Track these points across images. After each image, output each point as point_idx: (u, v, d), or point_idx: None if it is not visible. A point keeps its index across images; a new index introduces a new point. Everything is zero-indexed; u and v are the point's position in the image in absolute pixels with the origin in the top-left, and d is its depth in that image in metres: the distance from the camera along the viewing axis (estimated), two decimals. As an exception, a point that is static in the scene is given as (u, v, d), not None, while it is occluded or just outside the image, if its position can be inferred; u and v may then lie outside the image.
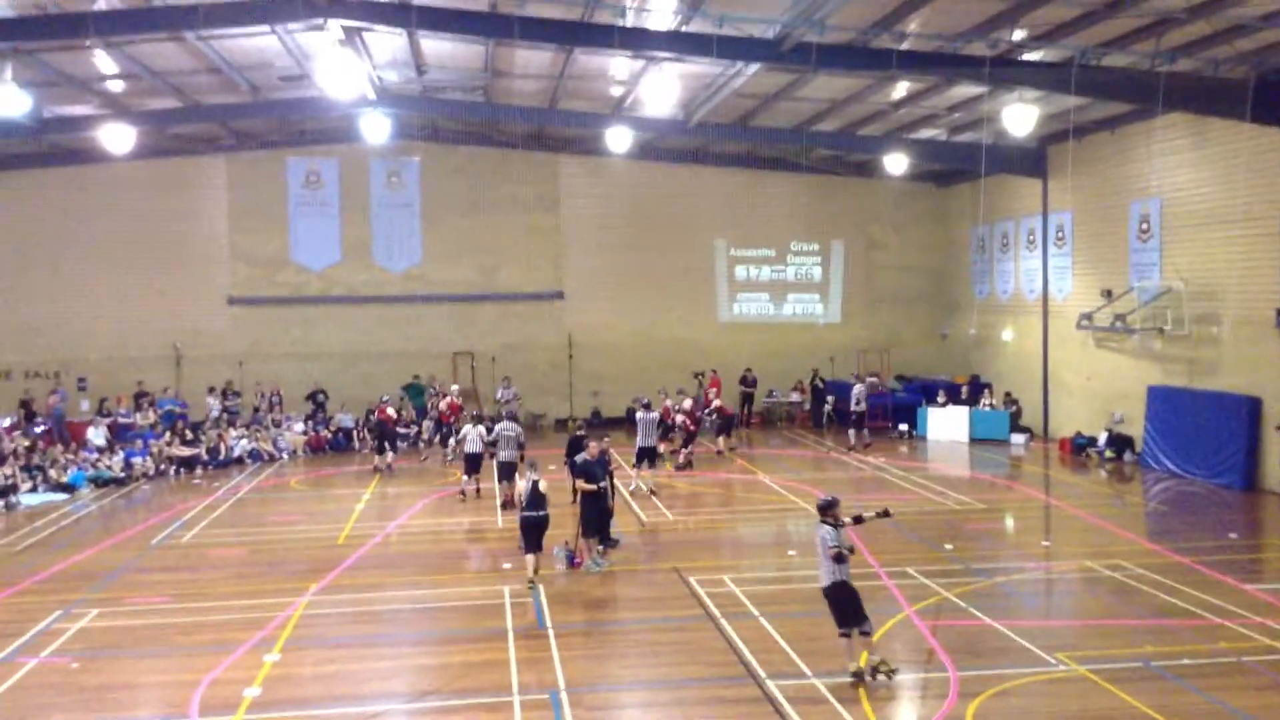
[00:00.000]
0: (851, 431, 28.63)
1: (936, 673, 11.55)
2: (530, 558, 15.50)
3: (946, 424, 29.99)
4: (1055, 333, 29.30)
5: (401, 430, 27.56)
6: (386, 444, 25.62)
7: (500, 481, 21.10)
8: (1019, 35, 19.67)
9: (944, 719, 10.37)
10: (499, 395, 29.86)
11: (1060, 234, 28.87)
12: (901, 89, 24.73)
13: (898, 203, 35.62)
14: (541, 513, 15.56)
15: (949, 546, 17.36)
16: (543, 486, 15.67)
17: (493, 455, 21.28)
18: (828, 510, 11.60)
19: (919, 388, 32.81)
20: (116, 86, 25.05)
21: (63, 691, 11.47)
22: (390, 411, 26.49)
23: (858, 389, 28.67)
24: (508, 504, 20.55)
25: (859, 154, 32.42)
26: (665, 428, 25.46)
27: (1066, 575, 16.03)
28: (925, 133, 29.15)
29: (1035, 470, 25.67)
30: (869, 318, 35.66)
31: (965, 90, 23.98)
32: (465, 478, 22.14)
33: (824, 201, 35.32)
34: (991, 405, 30.39)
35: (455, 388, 29.54)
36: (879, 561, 16.19)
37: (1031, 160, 29.22)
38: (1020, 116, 22.43)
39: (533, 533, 15.52)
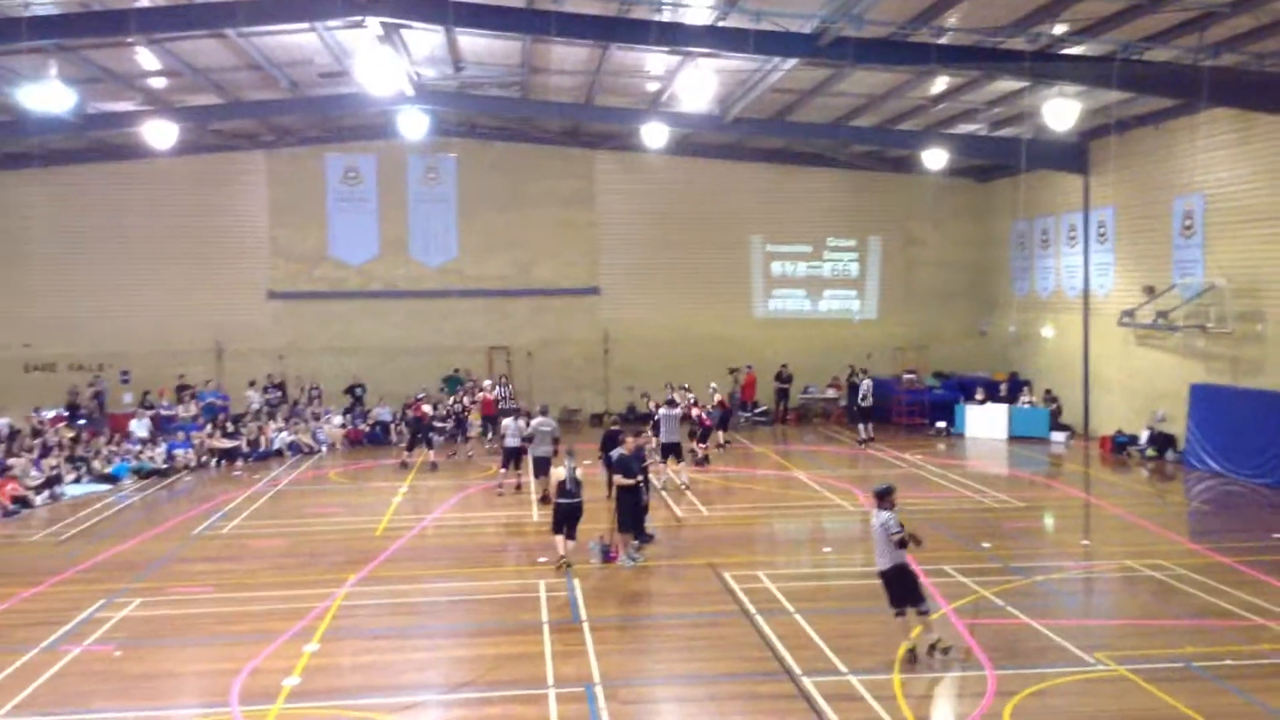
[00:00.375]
0: (861, 425, 28.91)
1: (974, 671, 11.47)
2: (559, 539, 15.97)
3: (985, 421, 29.75)
4: (1096, 329, 28.98)
5: (439, 425, 27.57)
6: (421, 440, 25.65)
7: (538, 476, 21.16)
8: (1060, 29, 19.48)
9: (982, 717, 10.30)
10: (495, 394, 29.31)
11: (1102, 230, 28.56)
12: (941, 84, 24.54)
13: (936, 198, 35.37)
14: (577, 500, 16.08)
15: (987, 545, 17.23)
16: (579, 474, 16.19)
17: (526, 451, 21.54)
18: (886, 496, 12.10)
19: (957, 385, 32.56)
20: (159, 83, 25.37)
21: (105, 679, 11.64)
22: (426, 408, 26.43)
23: (865, 384, 29.09)
24: (546, 499, 20.64)
25: (897, 149, 32.22)
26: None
27: (1106, 574, 15.87)
28: (965, 128, 28.92)
29: (1075, 468, 25.42)
30: (906, 314, 35.43)
31: (1005, 85, 23.77)
32: (503, 471, 22.22)
33: (861, 197, 35.13)
34: (1031, 403, 30.11)
35: (488, 383, 29.59)
36: (915, 559, 16.03)
37: (1073, 155, 28.91)
38: (1061, 111, 22.22)
39: (567, 519, 16.03)
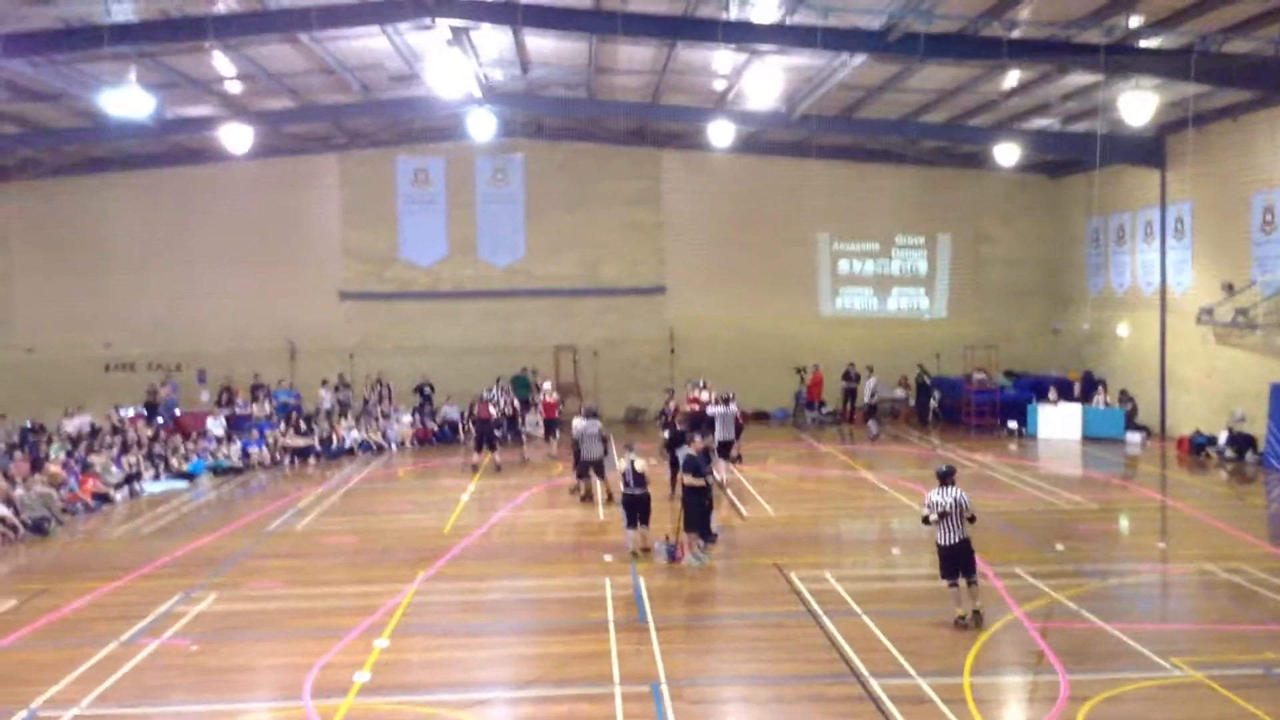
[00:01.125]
0: (871, 423, 29.43)
1: (1046, 675, 11.28)
2: (631, 533, 16.32)
3: (1058, 422, 29.21)
4: (1173, 328, 28.31)
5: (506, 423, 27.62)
6: (485, 442, 25.31)
7: (581, 477, 21.22)
8: (1135, 22, 19.08)
9: (1053, 723, 10.14)
10: (486, 394, 27.83)
11: (1179, 226, 27.89)
12: (1012, 78, 24.15)
13: (1008, 194, 34.83)
14: (641, 490, 16.46)
15: (1060, 547, 16.93)
16: (639, 465, 16.54)
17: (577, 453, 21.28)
18: (950, 476, 13.29)
19: (1029, 384, 32.02)
20: (234, 88, 25.92)
21: (183, 673, 11.91)
22: (491, 410, 26.05)
23: (872, 381, 29.94)
24: (587, 496, 21.01)
25: (968, 145, 31.77)
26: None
27: (1183, 578, 15.50)
28: (1037, 122, 28.41)
29: (1151, 470, 24.86)
30: (977, 312, 34.93)
31: (1079, 79, 23.31)
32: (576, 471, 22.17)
33: (931, 194, 34.71)
34: (1106, 402, 29.49)
35: (548, 385, 29.08)
36: (986, 561, 15.85)
37: (1149, 150, 28.26)
38: (1137, 105, 21.74)
39: (633, 509, 16.49)
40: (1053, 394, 29.91)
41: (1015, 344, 34.53)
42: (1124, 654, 11.89)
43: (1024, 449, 27.89)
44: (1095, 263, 32.73)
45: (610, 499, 21.17)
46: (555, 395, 28.22)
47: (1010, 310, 34.95)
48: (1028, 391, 31.33)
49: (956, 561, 12.92)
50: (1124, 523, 19.69)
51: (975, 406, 31.29)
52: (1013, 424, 30.06)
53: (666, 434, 22.69)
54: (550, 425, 27.57)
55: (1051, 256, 34.94)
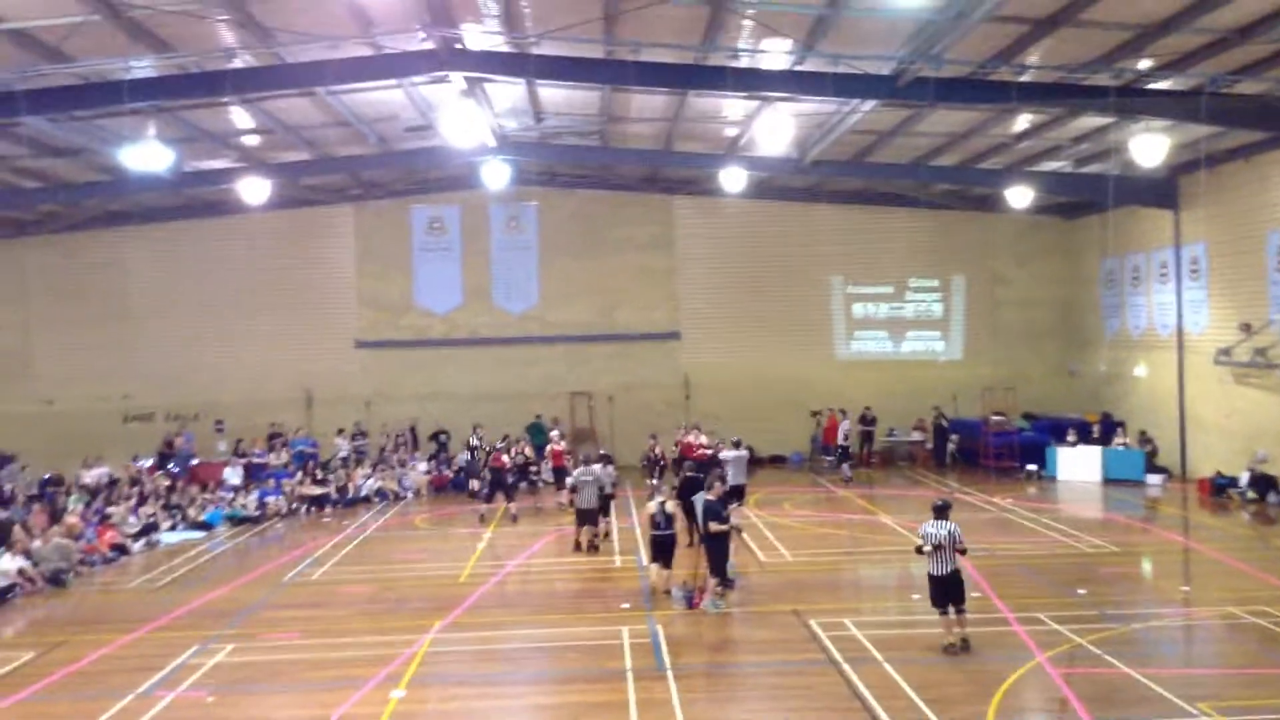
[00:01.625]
0: (844, 465, 29.74)
1: (1070, 723, 11.13)
2: (653, 567, 16.74)
3: (1077, 464, 29.00)
4: (1191, 368, 28.17)
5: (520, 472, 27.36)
6: (500, 492, 24.65)
7: (581, 526, 20.86)
8: (1145, 64, 19.17)
9: (1079, 771, 9.97)
10: (563, 445, 28.08)
11: (1194, 266, 27.84)
12: (1023, 121, 24.28)
13: (1022, 236, 34.87)
14: (670, 531, 16.99)
15: (1082, 591, 16.73)
16: (670, 507, 17.19)
17: (573, 502, 21.23)
18: (945, 510, 13.99)
19: (1047, 426, 31.85)
20: (252, 141, 26.24)
21: (200, 724, 11.86)
22: (505, 459, 25.35)
23: (844, 425, 30.38)
24: (590, 547, 20.69)
25: (980, 188, 31.87)
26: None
27: (1208, 622, 15.29)
28: (1049, 165, 28.51)
29: (1173, 512, 24.62)
30: (993, 354, 34.83)
31: (1090, 121, 23.42)
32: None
33: (944, 236, 34.79)
34: (1125, 444, 29.29)
35: (556, 433, 28.74)
36: (1008, 606, 15.70)
37: (1162, 191, 28.29)
38: (1149, 147, 21.80)
39: (662, 549, 16.94)
40: (1071, 436, 29.72)
41: (1032, 385, 34.37)
42: (1149, 699, 11.72)
43: (1043, 491, 27.67)
44: (1111, 304, 32.65)
45: (606, 536, 21.37)
46: (564, 444, 28.06)
47: (1027, 352, 34.85)
48: (1046, 434, 31.15)
49: (947, 591, 13.67)
50: (1146, 566, 19.47)
51: (994, 449, 31.11)
52: (1032, 466, 29.87)
53: (678, 479, 22.60)
54: (559, 474, 26.99)
55: (1067, 298, 34.90)
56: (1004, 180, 29.20)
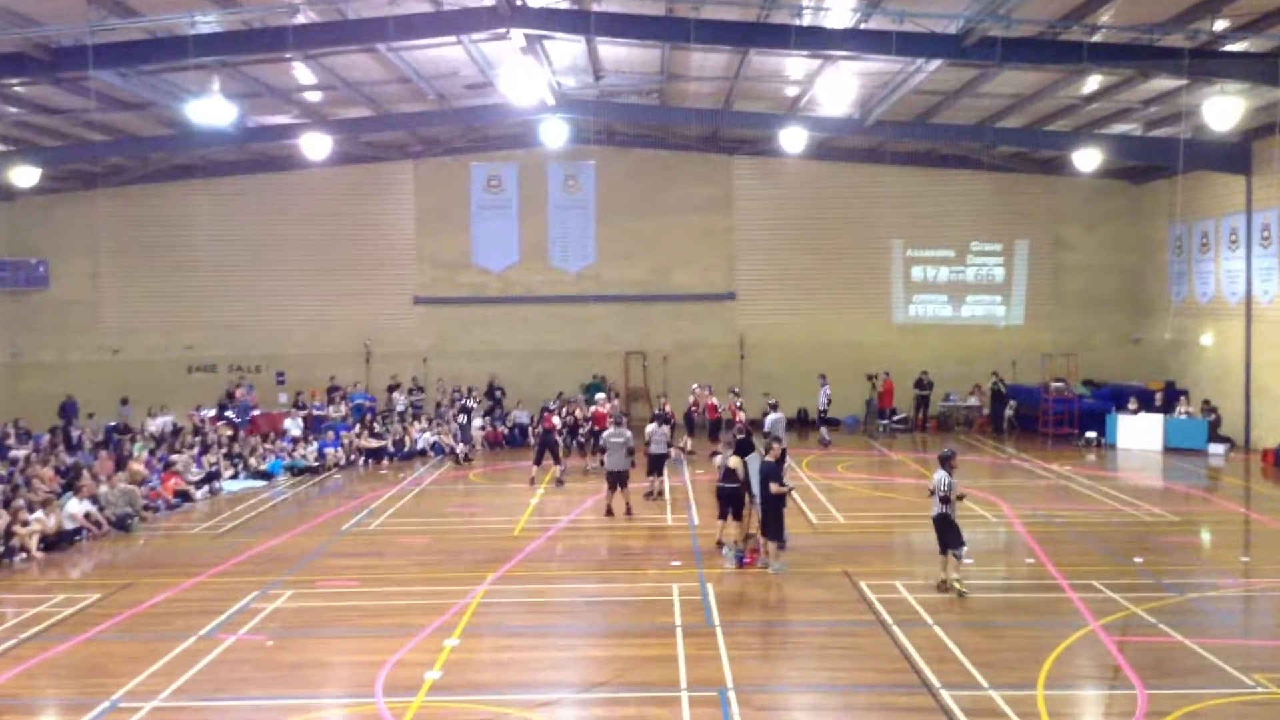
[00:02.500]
0: (823, 429, 30.08)
1: (1123, 690, 11.04)
2: (720, 523, 16.61)
3: (1138, 432, 28.54)
4: (1260, 337, 27.52)
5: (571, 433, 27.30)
6: (549, 454, 24.01)
7: (611, 490, 20.31)
8: (1220, 25, 18.59)
9: (1130, 739, 9.91)
10: (608, 407, 27.20)
11: (1266, 233, 27.11)
12: (1093, 83, 23.68)
13: (1088, 201, 34.18)
14: (734, 484, 16.74)
15: (1139, 560, 16.53)
16: (732, 463, 16.88)
17: (603, 463, 20.82)
18: (947, 461, 14.84)
19: (1109, 394, 31.35)
20: (314, 97, 26.43)
21: (258, 667, 12.15)
22: (555, 420, 25.00)
23: (825, 390, 30.56)
24: (611, 512, 20.24)
25: (1046, 150, 31.24)
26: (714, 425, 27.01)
27: (1267, 593, 15.03)
28: (1118, 128, 27.85)
29: (1235, 482, 24.19)
30: (1055, 320, 34.29)
31: (1162, 83, 22.80)
32: (649, 477, 22.05)
33: (1008, 200, 34.20)
34: (1188, 413, 28.75)
35: (600, 396, 28.30)
36: (1062, 573, 15.58)
37: (1234, 155, 27.51)
38: (1222, 110, 21.18)
39: (726, 501, 16.78)
40: (1133, 404, 29.24)
41: (1095, 353, 33.84)
42: (1204, 669, 11.59)
43: (1102, 459, 27.31)
44: (1178, 270, 31.95)
45: (660, 495, 21.29)
46: (609, 405, 28.02)
47: (1090, 318, 34.26)
48: (1107, 401, 30.68)
49: (938, 532, 14.75)
50: (1206, 536, 19.17)
51: (1052, 415, 30.72)
52: (1091, 434, 29.46)
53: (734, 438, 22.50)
54: (597, 436, 26.54)
55: (1133, 264, 34.21)
56: (1071, 143, 28.56)
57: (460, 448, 28.04)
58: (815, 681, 11.60)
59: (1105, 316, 34.34)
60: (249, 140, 29.21)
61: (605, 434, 20.80)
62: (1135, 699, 10.73)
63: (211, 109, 22.03)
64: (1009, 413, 32.18)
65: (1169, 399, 29.69)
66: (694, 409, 28.82)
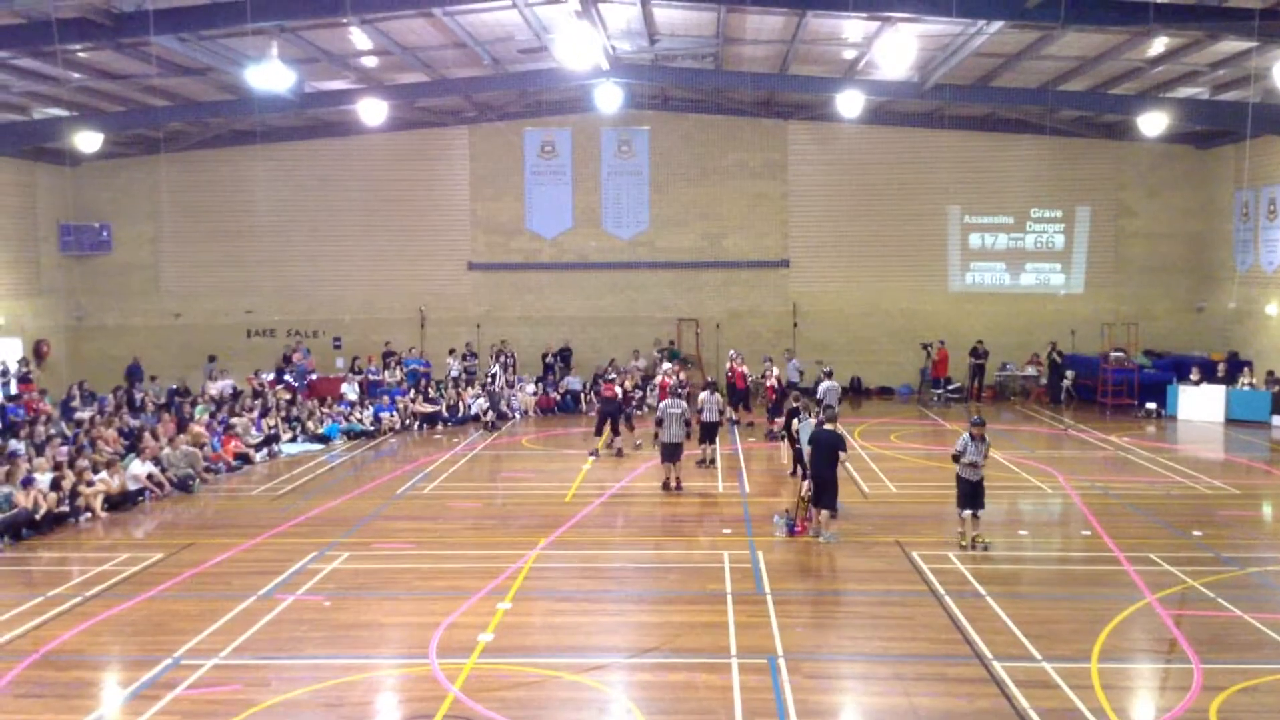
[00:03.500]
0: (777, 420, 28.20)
1: (1178, 664, 10.91)
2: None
3: (1199, 403, 28.04)
4: (1328, 308, 26.86)
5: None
6: (609, 423, 23.62)
7: (665, 462, 19.85)
8: (1295, -17, 18.03)
9: (1186, 712, 9.78)
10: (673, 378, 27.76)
11: (1338, 200, 26.37)
12: (1159, 45, 23.08)
13: (1152, 166, 33.43)
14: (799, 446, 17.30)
15: (1198, 533, 16.28)
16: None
17: (658, 436, 20.20)
18: (980, 426, 15.67)
19: (1170, 364, 30.78)
20: (370, 62, 26.54)
21: (315, 627, 12.39)
22: (616, 389, 24.29)
23: (793, 364, 29.45)
24: (677, 485, 19.74)
25: (1110, 115, 30.54)
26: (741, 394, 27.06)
27: (1332, 570, 14.76)
28: (1184, 91, 27.14)
29: (1300, 456, 23.72)
30: (1116, 289, 33.68)
31: (1231, 45, 22.16)
32: (701, 445, 22.03)
33: (1069, 165, 33.54)
34: (1251, 384, 28.16)
35: (666, 365, 28.08)
36: (1119, 545, 15.40)
37: (1306, 120, 26.74)
38: (1294, 72, 20.56)
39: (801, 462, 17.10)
40: (1195, 374, 28.69)
41: (1157, 322, 33.22)
42: (1262, 644, 11.42)
43: (1162, 431, 26.87)
44: (1244, 238, 31.19)
45: (711, 463, 21.39)
46: (673, 376, 27.93)
47: (1152, 287, 33.61)
48: (1168, 372, 30.14)
49: (962, 493, 15.50)
50: (1267, 509, 18.82)
51: (1111, 386, 30.24)
52: (1151, 405, 28.97)
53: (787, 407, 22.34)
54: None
55: (1197, 231, 33.44)
56: (1136, 107, 27.86)
57: (488, 415, 28.06)
58: (866, 651, 11.58)
59: (1168, 285, 33.67)
60: (307, 106, 29.38)
61: (663, 405, 20.09)
62: (1191, 673, 10.61)
63: (270, 74, 22.23)
64: (1066, 383, 31.74)
65: (1232, 370, 29.12)
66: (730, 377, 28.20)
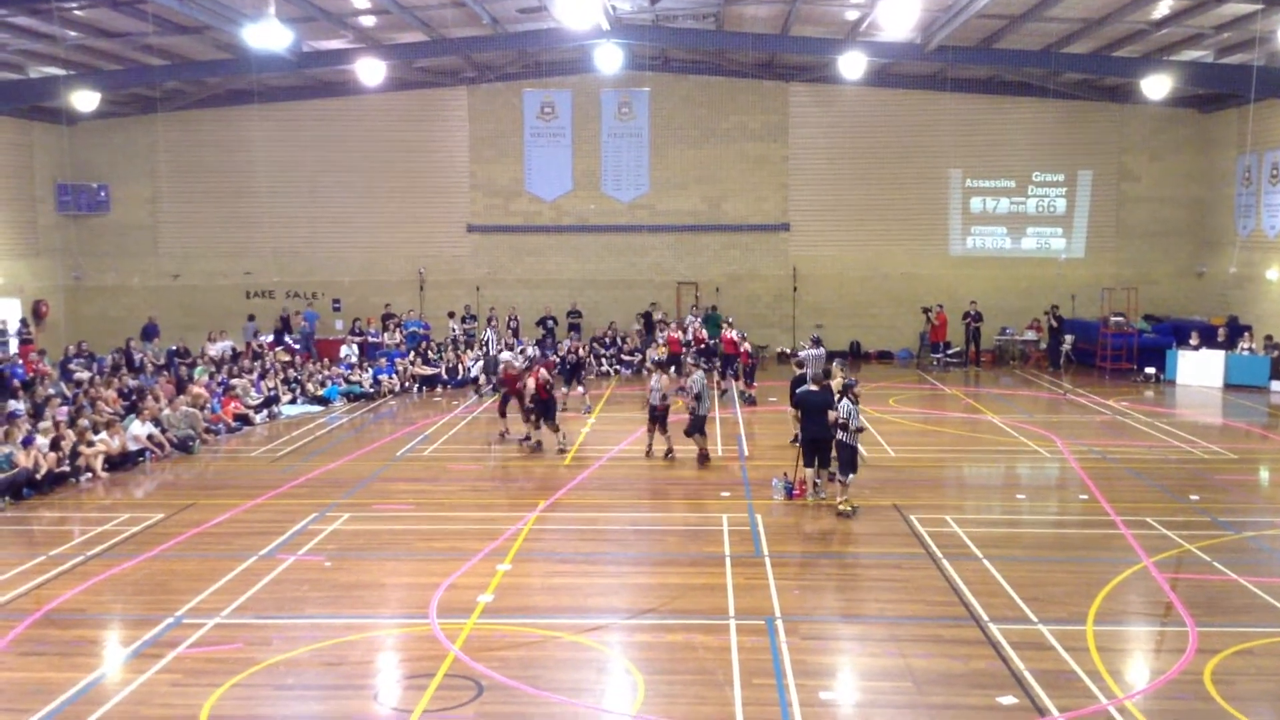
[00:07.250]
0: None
1: (1174, 627, 10.99)
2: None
3: (1198, 368, 28.06)
4: (1329, 273, 26.80)
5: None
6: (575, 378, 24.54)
7: (689, 434, 19.13)
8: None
9: (1180, 674, 9.87)
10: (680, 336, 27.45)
11: (1341, 164, 26.25)
12: (1164, 6, 22.94)
13: (1154, 130, 33.26)
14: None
15: (1194, 497, 16.34)
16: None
17: (693, 410, 19.17)
18: (849, 389, 15.63)
19: (1170, 328, 30.78)
20: (369, 21, 26.33)
21: (316, 587, 12.46)
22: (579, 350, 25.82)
23: (735, 333, 28.16)
24: (705, 457, 19.15)
25: (1113, 77, 30.33)
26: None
27: (1327, 534, 14.84)
28: (1188, 54, 26.97)
29: (1297, 421, 23.77)
30: (1117, 253, 33.63)
31: (1236, 7, 22.01)
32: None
33: (1072, 128, 33.36)
34: (1250, 349, 28.18)
35: (675, 323, 28.58)
36: (1116, 509, 15.46)
37: (1310, 83, 26.57)
38: (1299, 35, 20.42)
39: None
40: (1194, 339, 28.69)
41: (1157, 287, 33.19)
42: (1258, 608, 11.49)
43: (1160, 395, 26.91)
44: (1246, 203, 31.08)
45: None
46: (680, 334, 28.06)
47: (1153, 251, 33.56)
48: (1168, 336, 30.14)
49: (840, 457, 15.47)
50: (1264, 474, 18.89)
51: (1110, 350, 30.27)
52: (1150, 369, 28.99)
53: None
54: (728, 362, 28.26)
55: (1198, 195, 33.33)
56: (1140, 70, 27.69)
57: (486, 382, 27.71)
58: (863, 613, 11.66)
59: (1168, 249, 33.62)
60: (305, 65, 29.24)
61: (697, 377, 19.26)
62: (1186, 636, 10.68)
63: (268, 33, 22.03)
64: (1065, 347, 31.75)
65: (1231, 335, 29.12)
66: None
